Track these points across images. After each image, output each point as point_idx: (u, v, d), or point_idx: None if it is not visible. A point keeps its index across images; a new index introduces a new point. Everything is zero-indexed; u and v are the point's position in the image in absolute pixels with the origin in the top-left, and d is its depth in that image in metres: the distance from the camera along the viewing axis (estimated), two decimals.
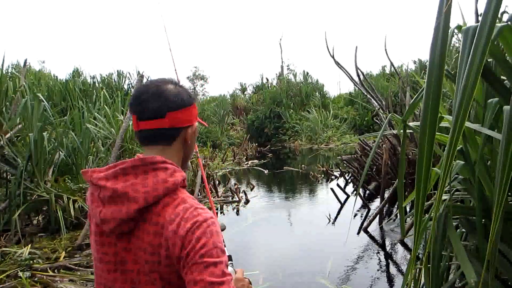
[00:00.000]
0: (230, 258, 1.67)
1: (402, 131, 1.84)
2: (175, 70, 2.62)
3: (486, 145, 1.63)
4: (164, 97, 1.13)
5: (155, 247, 1.04)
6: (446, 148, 1.71)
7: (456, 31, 1.43)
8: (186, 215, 1.04)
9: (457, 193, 2.03)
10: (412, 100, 1.73)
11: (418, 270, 2.60)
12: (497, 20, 1.11)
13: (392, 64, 10.32)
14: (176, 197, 1.09)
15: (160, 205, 1.06)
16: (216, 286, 0.97)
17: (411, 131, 1.95)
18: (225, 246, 1.84)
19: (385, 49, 9.02)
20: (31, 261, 4.49)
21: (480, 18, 1.12)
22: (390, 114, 1.99)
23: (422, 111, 1.15)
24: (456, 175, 1.82)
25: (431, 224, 1.86)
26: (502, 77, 1.53)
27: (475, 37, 1.05)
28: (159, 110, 1.12)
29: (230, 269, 1.51)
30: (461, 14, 1.83)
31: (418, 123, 2.10)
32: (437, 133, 1.80)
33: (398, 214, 6.28)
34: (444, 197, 1.77)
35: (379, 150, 8.51)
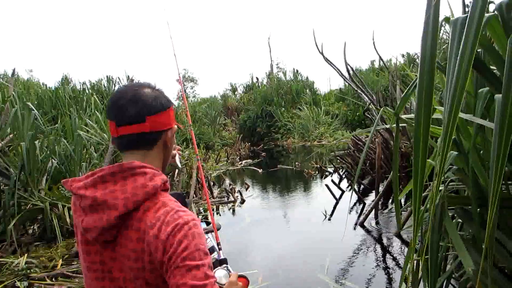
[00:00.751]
0: (225, 261, 1.67)
1: (394, 124, 1.85)
2: (179, 76, 2.64)
3: (478, 135, 1.65)
4: (143, 101, 1.12)
5: (138, 253, 1.03)
6: (440, 139, 1.73)
7: (444, 23, 1.44)
8: (167, 219, 1.03)
9: (452, 183, 2.05)
10: (404, 93, 1.74)
11: (415, 261, 2.62)
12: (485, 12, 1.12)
13: (381, 58, 10.36)
14: (156, 201, 1.08)
15: (141, 210, 1.05)
16: None
17: (403, 124, 1.97)
18: (220, 249, 1.85)
19: (374, 44, 9.06)
20: (28, 271, 4.46)
21: (468, 9, 1.14)
22: (382, 108, 2.00)
23: (416, 104, 1.17)
24: (450, 166, 1.84)
25: (428, 215, 1.89)
26: (491, 66, 1.55)
27: (465, 28, 1.06)
28: (138, 114, 1.10)
29: (223, 272, 1.50)
30: (448, 5, 1.84)
31: (410, 116, 2.12)
32: (432, 126, 1.82)
33: (394, 208, 6.32)
34: (440, 188, 1.79)
35: (372, 145, 8.56)
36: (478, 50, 1.55)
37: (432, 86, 1.10)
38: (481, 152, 1.78)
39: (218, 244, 1.93)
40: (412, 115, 2.19)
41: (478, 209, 1.64)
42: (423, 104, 1.13)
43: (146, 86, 1.17)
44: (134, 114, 1.10)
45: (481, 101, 1.49)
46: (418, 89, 1.14)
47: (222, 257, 1.72)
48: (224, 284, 1.33)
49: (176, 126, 1.24)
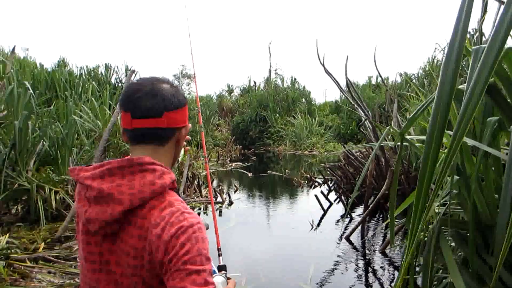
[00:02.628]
0: (224, 268, 1.67)
1: (398, 143, 1.87)
2: (194, 74, 2.64)
3: (482, 162, 1.67)
4: (161, 96, 1.10)
5: (138, 250, 1.02)
6: (439, 163, 1.75)
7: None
8: (171, 220, 1.02)
9: (450, 207, 2.07)
10: (412, 114, 1.77)
11: (406, 280, 2.64)
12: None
13: (380, 75, 10.49)
14: (163, 200, 1.06)
15: (146, 208, 1.04)
16: None
17: (406, 143, 1.99)
18: (220, 254, 1.85)
19: (374, 60, 9.14)
20: (8, 251, 4.40)
21: (487, 39, 1.16)
22: (388, 127, 2.02)
23: (428, 130, 1.18)
24: (450, 190, 1.86)
25: (422, 235, 1.91)
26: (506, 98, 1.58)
27: (482, 57, 1.08)
28: (155, 108, 1.09)
29: (221, 279, 1.49)
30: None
31: (414, 137, 2.15)
32: None
33: (380, 223, 6.35)
34: (438, 210, 1.81)
35: (363, 160, 8.60)
36: (492, 79, 1.58)
37: (447, 115, 1.12)
38: (482, 179, 1.82)
39: (219, 249, 1.93)
40: (416, 137, 2.22)
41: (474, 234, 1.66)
42: (436, 131, 1.14)
43: (164, 81, 1.16)
44: (152, 107, 1.09)
45: (489, 129, 1.51)
46: (432, 117, 1.15)
47: (221, 263, 1.73)
48: None
49: (190, 125, 1.23)
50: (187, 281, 0.96)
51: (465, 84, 1.24)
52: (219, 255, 1.80)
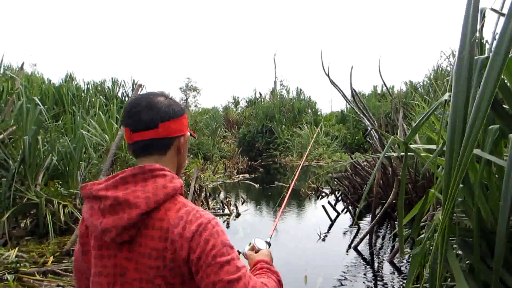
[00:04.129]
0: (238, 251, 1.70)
1: (402, 153, 1.89)
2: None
3: (484, 169, 1.69)
4: (157, 108, 1.17)
5: (159, 251, 1.06)
6: (444, 171, 1.76)
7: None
8: (189, 218, 1.07)
9: (454, 214, 2.07)
10: (415, 123, 1.79)
11: None
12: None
13: (385, 84, 10.48)
14: (176, 202, 1.12)
15: (162, 210, 1.09)
16: (235, 283, 1.02)
17: (411, 153, 2.00)
18: None
19: (379, 69, 9.17)
20: (18, 265, 4.43)
21: (489, 49, 1.18)
22: (392, 137, 2.04)
23: (448, 141, 1.19)
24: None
25: (428, 244, 1.91)
26: (504, 105, 1.60)
27: (487, 69, 1.09)
28: (152, 121, 1.16)
29: (262, 242, 1.60)
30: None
31: (418, 146, 2.16)
32: (438, 157, 1.86)
33: (388, 233, 6.32)
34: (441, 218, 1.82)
35: (369, 170, 8.58)
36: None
37: (465, 124, 1.13)
38: (485, 186, 1.82)
39: None
40: (421, 145, 2.23)
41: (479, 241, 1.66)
42: (455, 142, 1.16)
43: (160, 95, 1.23)
44: (148, 120, 1.16)
45: (491, 137, 1.53)
46: (449, 133, 1.16)
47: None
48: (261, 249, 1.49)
49: (189, 133, 1.28)
50: (222, 273, 1.02)
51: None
52: None
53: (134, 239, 1.09)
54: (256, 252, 1.49)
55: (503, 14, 1.34)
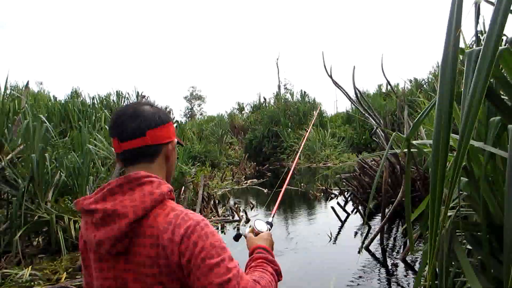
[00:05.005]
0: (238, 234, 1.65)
1: (405, 149, 1.88)
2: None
3: (489, 163, 1.67)
4: (143, 116, 1.18)
5: (153, 258, 1.06)
6: (449, 166, 1.76)
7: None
8: (178, 221, 1.07)
9: (461, 209, 2.06)
10: (416, 119, 1.78)
11: (424, 286, 2.61)
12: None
13: (388, 82, 10.44)
14: (165, 207, 1.12)
15: (151, 217, 1.09)
16: (225, 285, 1.01)
17: (414, 150, 2.00)
18: None
19: (382, 68, 9.13)
20: (32, 283, 4.46)
21: (482, 42, 1.18)
22: (394, 133, 2.04)
23: (434, 132, 1.19)
24: (461, 192, 1.86)
25: (438, 239, 1.90)
26: (503, 96, 1.59)
27: (479, 60, 1.10)
28: (139, 129, 1.16)
29: (263, 224, 1.55)
30: (462, 37, 1.89)
31: (420, 142, 2.15)
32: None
33: (399, 231, 6.28)
34: (450, 213, 1.81)
35: (377, 169, 8.54)
36: (491, 80, 1.59)
37: (451, 116, 1.13)
38: (491, 180, 1.81)
39: None
40: (423, 141, 2.23)
41: (488, 236, 1.65)
42: (441, 133, 1.16)
43: (145, 104, 1.24)
44: (135, 129, 1.16)
45: (493, 129, 1.52)
46: (436, 119, 1.17)
47: None
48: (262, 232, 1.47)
49: (176, 140, 1.29)
50: (211, 276, 1.02)
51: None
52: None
53: (129, 249, 1.09)
54: (256, 234, 1.48)
55: (493, 3, 1.33)
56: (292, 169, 2.30)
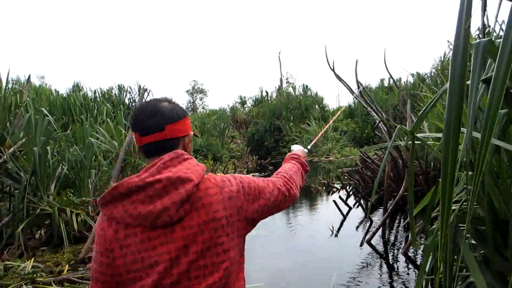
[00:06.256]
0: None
1: (410, 142, 1.87)
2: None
3: (494, 157, 1.66)
4: (161, 113, 1.30)
5: (220, 211, 1.23)
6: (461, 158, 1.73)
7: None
8: (229, 178, 1.32)
9: (465, 203, 2.05)
10: (421, 112, 1.76)
11: (425, 282, 2.60)
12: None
13: (391, 76, 10.39)
14: (208, 175, 1.32)
15: (205, 181, 1.27)
16: (275, 189, 1.42)
17: (418, 142, 1.98)
18: None
19: (385, 62, 9.09)
20: (34, 275, 4.47)
21: (495, 36, 1.17)
22: (398, 126, 2.02)
23: (444, 126, 1.18)
24: (465, 186, 1.84)
25: (439, 234, 1.89)
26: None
27: (499, 52, 1.06)
28: (158, 124, 1.28)
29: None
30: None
31: (424, 135, 2.14)
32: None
33: (401, 225, 6.28)
34: (453, 207, 1.79)
35: (379, 163, 8.51)
36: None
37: (461, 109, 1.12)
38: (496, 174, 1.79)
39: None
40: (426, 134, 2.21)
41: (492, 230, 1.64)
42: (452, 127, 1.15)
43: (163, 100, 1.36)
44: (154, 124, 1.28)
45: (499, 123, 1.50)
46: (447, 112, 1.15)
47: None
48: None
49: (192, 133, 1.41)
50: (266, 192, 1.39)
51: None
52: None
53: (189, 214, 1.21)
54: None
55: None
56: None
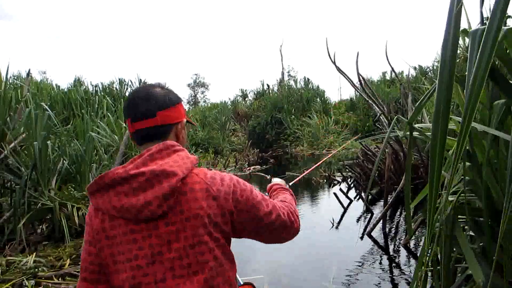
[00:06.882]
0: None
1: (408, 133, 1.86)
2: None
3: (492, 148, 1.64)
4: (154, 98, 1.26)
5: (204, 209, 1.17)
6: (453, 148, 1.73)
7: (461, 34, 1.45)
8: (221, 176, 1.25)
9: (463, 194, 2.04)
10: (418, 103, 1.75)
11: (424, 272, 2.60)
12: (502, 25, 1.13)
13: (393, 69, 10.34)
14: (199, 169, 1.26)
15: (193, 175, 1.21)
16: (273, 210, 1.33)
17: (416, 133, 1.97)
18: None
19: (386, 55, 9.04)
20: (36, 270, 4.49)
21: (486, 22, 1.15)
22: (396, 116, 2.01)
23: (434, 112, 1.18)
24: (462, 177, 1.84)
25: (438, 225, 1.88)
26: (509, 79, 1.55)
27: (482, 39, 1.07)
28: (150, 110, 1.25)
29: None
30: (466, 18, 1.86)
31: (423, 125, 2.12)
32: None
33: (402, 218, 6.28)
34: (451, 198, 1.79)
35: (382, 156, 8.50)
36: (497, 62, 1.55)
37: (450, 96, 1.11)
38: (494, 165, 1.78)
39: None
40: (425, 124, 2.20)
41: (489, 221, 1.63)
42: (441, 112, 1.14)
43: (156, 86, 1.32)
44: (146, 110, 1.25)
45: (497, 113, 1.49)
46: (436, 98, 1.15)
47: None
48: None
49: (185, 120, 1.36)
50: (260, 209, 1.30)
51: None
52: None
53: (172, 209, 1.16)
54: None
55: None
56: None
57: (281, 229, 1.37)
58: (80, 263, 1.25)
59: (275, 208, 1.34)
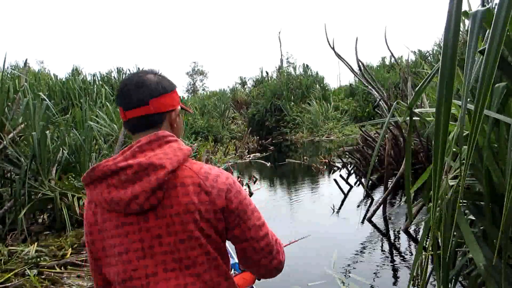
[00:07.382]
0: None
1: (407, 118, 1.84)
2: None
3: (493, 131, 1.63)
4: (146, 85, 1.20)
5: (196, 204, 1.11)
6: (453, 134, 1.71)
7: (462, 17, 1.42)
8: (216, 172, 1.19)
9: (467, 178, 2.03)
10: (418, 87, 1.73)
11: (424, 258, 2.61)
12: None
13: (392, 55, 10.28)
14: (193, 162, 1.19)
15: (186, 169, 1.15)
16: (262, 227, 1.21)
17: (416, 118, 1.95)
18: None
19: (385, 40, 8.97)
20: (38, 259, 4.51)
21: (486, 3, 1.13)
22: (396, 101, 1.99)
23: (437, 96, 1.15)
24: (463, 161, 1.82)
25: (438, 210, 1.87)
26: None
27: (493, 22, 1.03)
28: (142, 98, 1.19)
29: None
30: (467, 1, 1.83)
31: (422, 110, 2.11)
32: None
33: (402, 202, 6.29)
34: (452, 182, 1.78)
35: (381, 142, 8.50)
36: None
37: (453, 78, 1.09)
38: (495, 149, 1.77)
39: None
40: (424, 109, 2.18)
41: (490, 205, 1.63)
42: (444, 95, 1.12)
43: (149, 73, 1.26)
44: (138, 98, 1.19)
45: (498, 96, 1.47)
46: (439, 82, 1.12)
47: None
48: None
49: (179, 107, 1.30)
50: (253, 219, 1.20)
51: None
52: None
53: (161, 203, 1.11)
54: None
55: None
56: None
57: (264, 253, 1.22)
58: (82, 252, 1.24)
59: (265, 227, 1.23)
